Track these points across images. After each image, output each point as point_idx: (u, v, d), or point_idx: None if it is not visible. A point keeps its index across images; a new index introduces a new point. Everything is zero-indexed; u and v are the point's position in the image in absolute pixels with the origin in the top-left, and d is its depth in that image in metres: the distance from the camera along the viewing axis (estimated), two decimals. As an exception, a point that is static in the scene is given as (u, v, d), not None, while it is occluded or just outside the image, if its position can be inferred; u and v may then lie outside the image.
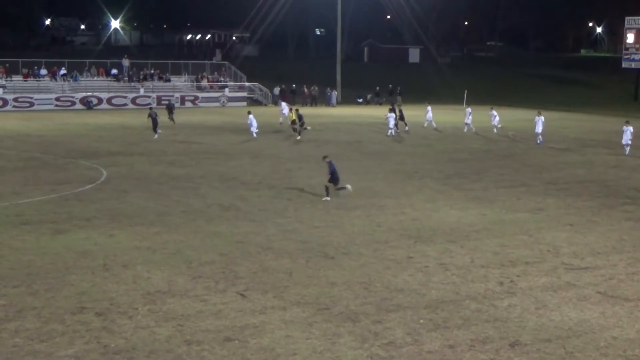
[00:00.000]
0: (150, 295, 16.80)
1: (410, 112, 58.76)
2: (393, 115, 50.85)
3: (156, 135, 47.32)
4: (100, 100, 74.82)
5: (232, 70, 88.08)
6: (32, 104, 71.80)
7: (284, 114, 57.86)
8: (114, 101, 75.65)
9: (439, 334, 14.79)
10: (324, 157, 29.40)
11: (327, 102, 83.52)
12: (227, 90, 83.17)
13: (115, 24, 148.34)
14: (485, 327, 15.21)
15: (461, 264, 19.87)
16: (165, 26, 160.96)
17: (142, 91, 77.95)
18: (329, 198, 27.92)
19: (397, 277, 18.47)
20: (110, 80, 79.85)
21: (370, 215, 25.75)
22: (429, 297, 17.01)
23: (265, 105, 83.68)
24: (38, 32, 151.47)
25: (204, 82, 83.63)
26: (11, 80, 74.99)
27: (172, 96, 78.01)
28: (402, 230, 23.57)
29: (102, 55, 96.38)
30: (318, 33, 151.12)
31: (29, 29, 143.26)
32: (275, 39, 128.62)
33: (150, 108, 54.35)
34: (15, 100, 71.50)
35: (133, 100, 76.48)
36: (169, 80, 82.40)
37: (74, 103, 73.84)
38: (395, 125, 51.17)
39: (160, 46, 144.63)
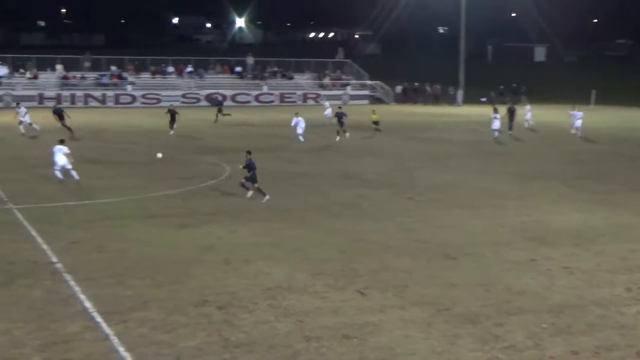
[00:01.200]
0: (270, 291, 16.96)
1: (537, 112, 57.46)
2: (498, 116, 48.59)
3: (172, 132, 47.35)
4: (224, 97, 76.26)
5: (354, 68, 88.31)
6: (159, 101, 73.80)
7: (326, 114, 57.02)
8: (237, 98, 76.97)
9: (562, 339, 14.39)
10: (248, 152, 28.44)
11: (450, 101, 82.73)
12: (349, 88, 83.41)
13: (239, 22, 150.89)
14: (611, 334, 14.71)
15: (586, 268, 19.29)
16: (288, 24, 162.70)
17: (265, 89, 79.04)
18: (267, 196, 27.14)
19: (519, 280, 18.08)
20: (234, 78, 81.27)
21: (492, 216, 25.32)
22: (551, 301, 16.58)
23: (387, 103, 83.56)
24: (166, 31, 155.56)
25: (326, 80, 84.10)
26: (140, 77, 77.30)
27: (295, 93, 78.89)
28: (524, 232, 23.07)
29: (227, 53, 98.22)
30: (441, 31, 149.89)
31: (157, 27, 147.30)
32: (397, 37, 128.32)
33: (171, 105, 54.76)
34: (143, 96, 73.68)
35: (256, 98, 77.69)
36: (291, 78, 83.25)
37: (199, 100, 75.50)
38: (510, 127, 49.82)
39: (283, 44, 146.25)
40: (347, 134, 46.55)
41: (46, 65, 75.73)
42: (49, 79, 74.13)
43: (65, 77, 74.62)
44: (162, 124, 53.56)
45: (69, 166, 29.46)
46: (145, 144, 43.21)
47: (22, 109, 47.13)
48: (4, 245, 20.40)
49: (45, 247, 20.31)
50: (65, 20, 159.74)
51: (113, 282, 17.35)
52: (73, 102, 71.49)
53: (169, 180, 31.13)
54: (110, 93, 73.53)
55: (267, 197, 26.90)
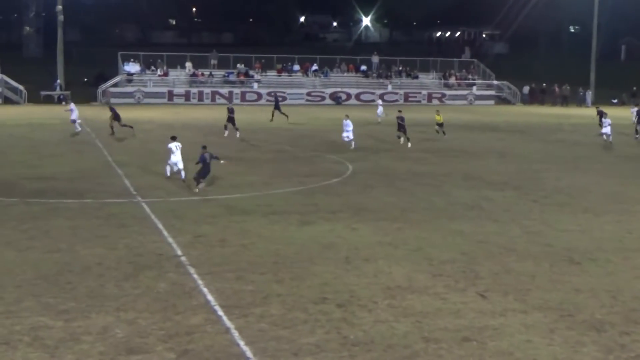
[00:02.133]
0: (390, 290, 16.89)
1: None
2: (608, 120, 46.07)
3: (226, 133, 46.87)
4: (348, 96, 76.53)
5: (480, 68, 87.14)
6: (284, 99, 74.66)
7: (378, 114, 55.62)
8: (362, 97, 77.13)
9: (693, 352, 13.80)
10: (203, 147, 28.77)
11: (579, 102, 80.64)
12: (474, 88, 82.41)
13: (366, 21, 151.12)
14: None
15: None
16: (414, 23, 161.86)
17: (389, 88, 78.91)
18: (199, 188, 27.74)
19: (648, 288, 17.44)
20: (359, 77, 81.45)
21: (620, 221, 24.51)
22: (683, 311, 15.92)
23: (514, 104, 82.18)
24: (292, 29, 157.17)
25: (452, 80, 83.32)
26: (266, 75, 78.40)
27: (419, 93, 78.56)
28: (655, 238, 22.25)
29: (352, 52, 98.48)
30: (572, 30, 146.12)
31: (284, 26, 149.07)
32: (526, 36, 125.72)
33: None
34: (269, 94, 74.64)
35: (381, 97, 77.61)
36: (416, 77, 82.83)
37: (323, 98, 76.05)
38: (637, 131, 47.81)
39: (409, 43, 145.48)
40: (402, 140, 43.34)
41: (176, 62, 77.71)
42: (179, 76, 76.03)
43: (194, 75, 76.42)
44: (285, 121, 54.14)
45: (181, 165, 30.10)
46: (270, 141, 43.78)
47: (72, 106, 47.29)
48: (131, 237, 21.02)
49: (170, 240, 20.82)
50: (195, 19, 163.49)
51: (235, 276, 17.64)
52: (201, 99, 73.16)
53: (292, 178, 31.44)
54: (236, 90, 74.87)
55: (200, 187, 27.75)
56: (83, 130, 46.37)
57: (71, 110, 45.86)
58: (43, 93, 71.11)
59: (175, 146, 30.18)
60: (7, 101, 68.23)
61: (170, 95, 72.60)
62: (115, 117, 44.97)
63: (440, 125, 46.73)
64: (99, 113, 58.38)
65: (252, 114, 62.29)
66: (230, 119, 46.25)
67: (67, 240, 20.58)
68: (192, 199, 26.54)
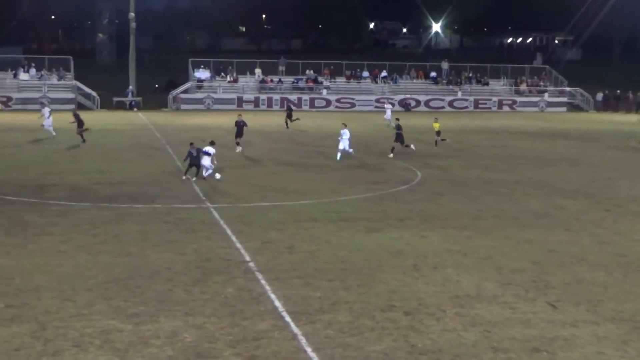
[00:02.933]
0: (458, 299, 16.72)
1: None
2: None
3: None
4: (418, 103, 76.18)
5: (552, 74, 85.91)
6: (353, 105, 74.71)
7: (386, 118, 54.49)
8: (431, 104, 76.71)
9: None
10: (191, 144, 30.91)
11: (653, 109, 78.98)
12: (546, 95, 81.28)
13: (436, 27, 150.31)
14: None
15: None
16: (485, 29, 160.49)
17: (459, 94, 78.32)
18: (188, 177, 30.64)
19: None
20: (428, 83, 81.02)
21: (697, 231, 23.88)
22: None
23: (586, 111, 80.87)
24: (362, 36, 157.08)
25: (523, 87, 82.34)
26: (335, 82, 78.49)
27: (490, 100, 77.89)
28: None
29: (422, 58, 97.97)
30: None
31: (353, 32, 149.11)
32: (599, 42, 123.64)
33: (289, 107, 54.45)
34: (337, 100, 74.75)
35: (450, 103, 77.13)
36: (487, 84, 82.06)
37: (393, 105, 75.79)
38: None
39: (479, 49, 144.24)
40: (413, 146, 42.07)
41: (245, 69, 78.30)
42: (248, 83, 76.60)
43: (263, 81, 76.92)
44: (356, 127, 54.08)
45: (210, 170, 30.89)
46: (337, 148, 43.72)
47: (46, 110, 47.55)
48: (200, 242, 21.19)
49: (239, 245, 20.93)
50: (265, 26, 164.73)
51: (302, 282, 17.65)
52: (270, 105, 73.57)
53: (361, 184, 31.37)
54: (305, 97, 75.10)
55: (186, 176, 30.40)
56: (153, 136, 47.02)
57: (43, 114, 46.61)
58: (115, 99, 72.31)
59: (206, 150, 31.31)
60: (81, 107, 69.49)
61: (240, 101, 73.14)
62: (79, 123, 44.63)
63: (438, 133, 44.69)
64: (170, 119, 59.21)
65: (320, 120, 62.47)
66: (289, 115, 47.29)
67: (137, 245, 20.85)
68: (260, 205, 26.66)
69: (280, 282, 17.64)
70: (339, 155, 38.04)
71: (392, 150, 40.32)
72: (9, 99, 68.10)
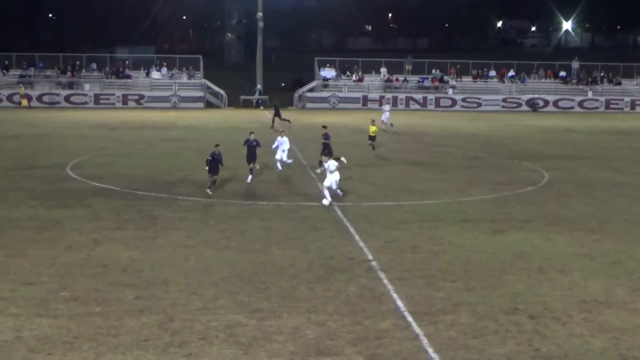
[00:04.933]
0: (585, 304, 16.29)
1: None
2: None
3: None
4: (546, 103, 74.56)
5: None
6: (479, 105, 73.73)
7: (383, 119, 51.21)
8: (560, 104, 74.93)
9: None
10: (216, 145, 28.96)
11: None
12: (683, 94, 78.19)
13: (566, 25, 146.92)
14: None
15: None
16: (618, 27, 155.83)
17: (590, 94, 76.23)
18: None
19: None
20: (557, 83, 79.16)
21: None
22: None
23: None
24: (489, 35, 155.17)
25: (657, 86, 79.44)
26: (461, 81, 77.66)
27: (622, 100, 75.55)
28: None
29: (551, 57, 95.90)
30: None
31: (480, 31, 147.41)
32: None
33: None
34: (463, 100, 73.92)
35: (580, 104, 75.13)
36: (619, 84, 79.55)
37: (520, 105, 74.44)
38: None
39: (612, 48, 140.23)
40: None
41: (371, 68, 78.31)
42: (373, 82, 76.60)
43: (388, 80, 76.81)
44: (482, 127, 53.50)
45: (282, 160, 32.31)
46: (463, 148, 43.35)
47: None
48: (324, 240, 21.35)
49: (362, 244, 20.99)
50: (391, 25, 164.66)
51: (425, 283, 17.56)
52: (395, 105, 73.31)
53: (485, 185, 30.96)
54: (431, 96, 74.55)
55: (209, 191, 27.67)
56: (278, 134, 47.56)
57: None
58: (242, 97, 73.59)
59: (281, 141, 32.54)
60: (209, 105, 71.08)
61: (365, 100, 73.23)
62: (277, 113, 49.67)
63: (373, 138, 39.52)
64: (295, 117, 59.75)
65: (446, 120, 62.00)
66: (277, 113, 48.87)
67: (262, 241, 21.17)
68: (384, 204, 26.65)
69: (402, 281, 17.60)
70: (279, 165, 33.51)
71: (373, 149, 39.32)
72: (141, 96, 70.22)
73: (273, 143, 33.74)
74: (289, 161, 33.93)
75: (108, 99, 69.70)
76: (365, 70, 78.10)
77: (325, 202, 25.71)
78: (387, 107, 53.50)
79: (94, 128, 50.67)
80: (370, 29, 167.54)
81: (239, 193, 28.25)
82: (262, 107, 70.97)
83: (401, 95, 74.43)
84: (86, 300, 16.00)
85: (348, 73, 77.67)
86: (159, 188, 28.38)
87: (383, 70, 78.25)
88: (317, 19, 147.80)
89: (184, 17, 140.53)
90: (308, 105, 72.15)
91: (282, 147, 33.38)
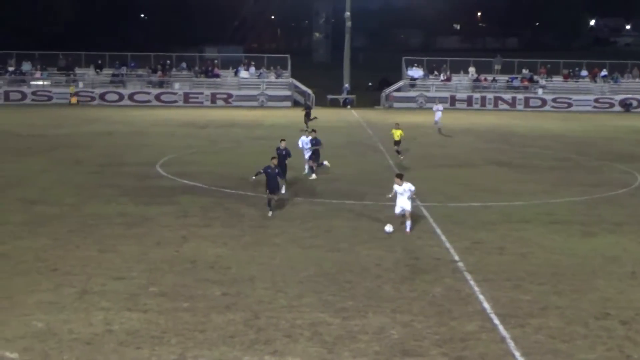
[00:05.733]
0: (679, 310, 15.81)
1: None
2: None
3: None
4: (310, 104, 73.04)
5: None
6: (570, 105, 72.42)
7: (436, 120, 49.26)
8: (653, 104, 73.09)
9: None
10: (282, 140, 28.64)
11: None
12: None
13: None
14: None
15: None
16: None
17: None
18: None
19: None
20: (654, 82, 77.18)
21: None
22: None
23: None
24: (581, 33, 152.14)
25: None
26: (551, 81, 76.35)
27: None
28: None
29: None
30: None
31: (572, 30, 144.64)
32: None
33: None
34: (553, 100, 72.72)
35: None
36: None
37: (612, 105, 72.87)
38: None
39: None
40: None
41: (459, 67, 77.69)
42: (461, 81, 75.96)
43: (477, 80, 76.04)
44: (574, 128, 52.53)
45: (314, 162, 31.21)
46: (553, 149, 42.62)
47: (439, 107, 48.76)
48: (409, 240, 21.23)
49: (448, 245, 20.81)
50: (479, 24, 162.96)
51: (512, 285, 17.30)
52: (483, 105, 72.64)
53: (575, 187, 30.36)
54: (520, 96, 73.54)
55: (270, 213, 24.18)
56: (365, 133, 47.59)
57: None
58: (329, 97, 73.83)
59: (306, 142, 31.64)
60: (297, 104, 71.55)
61: (453, 100, 72.67)
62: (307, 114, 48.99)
63: (398, 143, 36.82)
64: (382, 117, 59.72)
65: (535, 120, 61.11)
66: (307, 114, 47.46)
67: (347, 241, 21.17)
68: (471, 205, 26.38)
69: (489, 283, 17.38)
70: (307, 167, 32.04)
71: (399, 153, 36.38)
72: (229, 95, 71.09)
73: (299, 143, 32.10)
74: (325, 162, 32.00)
75: (197, 97, 70.86)
76: (453, 69, 77.51)
77: (389, 228, 21.98)
78: (439, 107, 50.71)
79: (183, 126, 51.52)
80: (458, 28, 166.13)
81: (326, 192, 28.32)
82: (349, 107, 71.07)
83: (489, 95, 73.65)
84: (174, 296, 16.26)
85: (436, 72, 77.16)
86: (246, 186, 28.63)
87: (471, 69, 77.54)
88: (405, 18, 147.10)
89: (272, 17, 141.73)
90: (395, 104, 71.97)
91: (306, 147, 32.03)
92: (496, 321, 14.98)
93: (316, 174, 31.28)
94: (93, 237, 21.23)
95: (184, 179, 30.53)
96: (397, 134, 36.69)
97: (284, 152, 28.18)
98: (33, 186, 28.74)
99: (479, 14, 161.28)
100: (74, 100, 68.63)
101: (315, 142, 31.99)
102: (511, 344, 13.86)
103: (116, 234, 21.62)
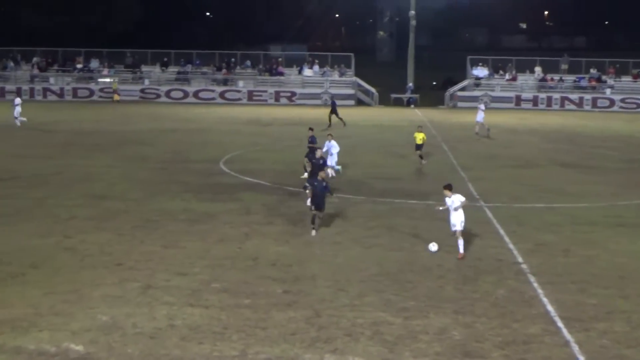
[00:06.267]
0: None
1: None
2: None
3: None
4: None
5: None
6: (639, 105, 71.06)
7: (478, 120, 46.62)
8: None
9: None
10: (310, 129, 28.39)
11: None
12: None
13: None
14: None
15: None
16: None
17: None
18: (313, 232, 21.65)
19: None
20: None
21: None
22: None
23: None
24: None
25: None
26: (620, 81, 74.99)
27: None
28: None
29: None
30: None
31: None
32: None
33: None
34: (622, 101, 71.46)
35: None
36: None
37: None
38: None
39: None
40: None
41: (525, 67, 76.77)
42: (527, 81, 75.09)
43: (543, 79, 75.07)
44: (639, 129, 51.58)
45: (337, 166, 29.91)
46: (622, 150, 41.87)
47: (17, 100, 48.67)
48: (472, 241, 21.05)
49: (511, 246, 20.59)
50: (546, 23, 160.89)
51: (577, 288, 17.04)
52: (549, 105, 71.70)
53: (644, 189, 29.81)
54: (587, 96, 72.40)
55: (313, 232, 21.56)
56: (428, 133, 47.42)
57: (15, 105, 47.91)
58: (393, 96, 73.62)
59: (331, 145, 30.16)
60: (360, 103, 71.50)
61: (518, 100, 71.89)
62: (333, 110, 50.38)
63: (420, 147, 34.68)
64: (446, 117, 59.36)
65: (602, 121, 60.17)
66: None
67: (409, 240, 21.09)
68: (535, 206, 26.05)
69: (553, 286, 17.14)
70: (330, 172, 29.61)
71: (421, 158, 34.54)
72: (293, 93, 71.37)
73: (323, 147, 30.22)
74: (337, 167, 31.02)
75: (261, 95, 71.29)
76: (519, 69, 76.62)
77: (433, 248, 19.90)
78: (481, 107, 48.52)
79: (247, 124, 51.88)
80: (525, 26, 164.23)
81: (388, 191, 28.24)
82: (413, 106, 70.79)
83: (556, 95, 72.67)
84: (236, 292, 16.37)
85: (501, 72, 76.38)
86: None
87: (537, 69, 76.55)
88: (470, 17, 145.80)
89: (337, 15, 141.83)
90: (459, 104, 71.47)
91: (332, 151, 30.76)
92: (560, 324, 14.76)
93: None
94: (157, 232, 21.50)
95: (247, 176, 30.73)
96: (420, 137, 34.55)
97: (320, 162, 25.88)
98: (100, 182, 29.22)
99: (546, 12, 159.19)
100: (116, 97, 68.75)
101: (311, 140, 30.73)
102: (575, 348, 13.65)
103: (180, 230, 21.86)
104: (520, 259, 19.35)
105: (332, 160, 30.45)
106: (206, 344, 13.67)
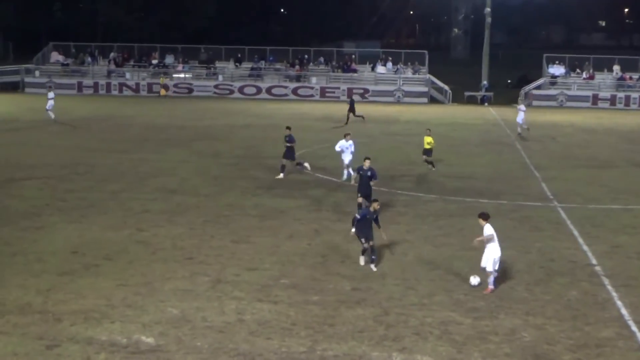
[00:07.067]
0: None
1: None
2: None
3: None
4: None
5: None
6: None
7: (518, 120, 44.32)
8: None
9: None
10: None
11: None
12: None
13: None
14: None
15: None
16: None
17: None
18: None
19: None
20: None
21: None
22: None
23: None
24: None
25: None
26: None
27: None
28: None
29: None
30: None
31: None
32: None
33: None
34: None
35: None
36: None
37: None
38: None
39: None
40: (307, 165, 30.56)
41: (603, 65, 75.23)
42: (605, 80, 73.60)
43: (621, 78, 73.50)
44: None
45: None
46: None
47: (51, 94, 48.20)
48: (545, 242, 20.75)
49: (585, 248, 20.23)
50: (626, 20, 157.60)
51: (655, 291, 16.67)
52: (627, 104, 70.12)
53: None
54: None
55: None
56: (502, 132, 46.84)
57: (49, 99, 47.59)
58: (467, 94, 72.91)
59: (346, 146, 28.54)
60: (433, 100, 70.98)
61: (595, 99, 70.51)
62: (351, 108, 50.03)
63: (428, 152, 32.08)
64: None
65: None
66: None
67: (480, 239, 20.85)
68: (611, 207, 25.53)
69: (628, 289, 16.79)
70: (345, 173, 29.25)
71: (432, 165, 32.15)
72: (366, 90, 71.22)
73: (336, 145, 29.09)
74: (352, 173, 27.86)
75: (333, 92, 71.21)
76: (597, 67, 75.13)
77: (474, 281, 17.05)
78: (522, 107, 45.97)
79: (319, 120, 51.91)
80: (603, 24, 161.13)
81: (460, 190, 27.99)
82: (487, 104, 70.04)
83: (634, 95, 70.99)
84: (305, 289, 16.41)
85: (578, 70, 75.02)
86: (379, 182, 28.65)
87: (616, 68, 74.93)
88: (547, 14, 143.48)
89: (411, 12, 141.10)
90: (534, 103, 70.39)
91: (350, 151, 28.86)
92: (634, 328, 14.47)
93: (301, 170, 29.88)
94: (228, 227, 21.69)
95: (318, 172, 30.77)
96: (427, 141, 32.02)
97: (368, 173, 23.33)
98: (173, 176, 29.59)
99: (626, 10, 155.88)
100: (163, 92, 69.23)
101: (289, 139, 29.73)
102: (650, 353, 13.36)
103: (250, 225, 22.01)
104: (594, 261, 19.00)
105: (349, 161, 28.78)
106: (274, 339, 13.73)
